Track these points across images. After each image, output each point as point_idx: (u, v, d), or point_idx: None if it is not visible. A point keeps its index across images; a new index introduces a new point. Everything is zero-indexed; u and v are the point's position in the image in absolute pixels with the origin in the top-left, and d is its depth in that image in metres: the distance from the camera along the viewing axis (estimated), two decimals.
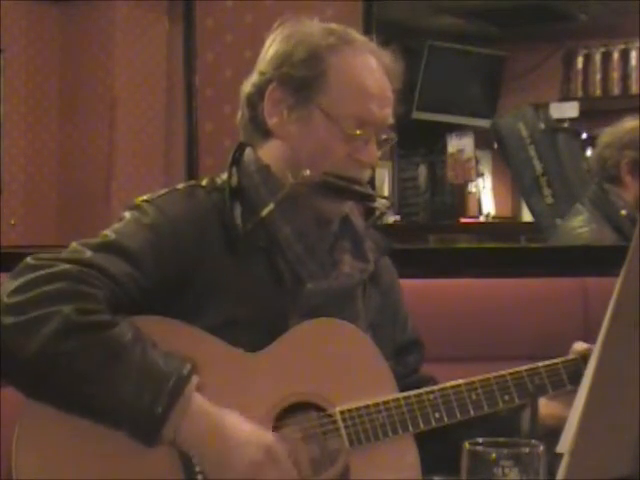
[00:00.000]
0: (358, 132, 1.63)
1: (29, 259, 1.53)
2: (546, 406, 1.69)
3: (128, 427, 1.44)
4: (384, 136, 1.68)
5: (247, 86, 1.72)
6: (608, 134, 2.98)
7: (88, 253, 1.55)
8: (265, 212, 1.62)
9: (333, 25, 1.72)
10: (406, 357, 1.82)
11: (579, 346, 1.72)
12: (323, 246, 1.68)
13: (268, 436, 1.50)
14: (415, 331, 1.87)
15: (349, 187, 1.64)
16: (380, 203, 1.71)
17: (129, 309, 1.53)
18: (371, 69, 1.67)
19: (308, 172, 1.62)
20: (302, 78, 1.65)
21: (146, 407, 1.42)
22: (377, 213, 1.77)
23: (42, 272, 1.49)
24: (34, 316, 1.45)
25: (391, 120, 1.68)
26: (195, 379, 1.47)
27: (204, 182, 1.71)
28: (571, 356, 1.71)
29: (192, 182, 1.73)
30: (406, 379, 1.74)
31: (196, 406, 1.46)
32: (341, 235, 1.72)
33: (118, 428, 1.45)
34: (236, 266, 1.62)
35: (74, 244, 1.58)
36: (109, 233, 1.59)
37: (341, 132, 1.63)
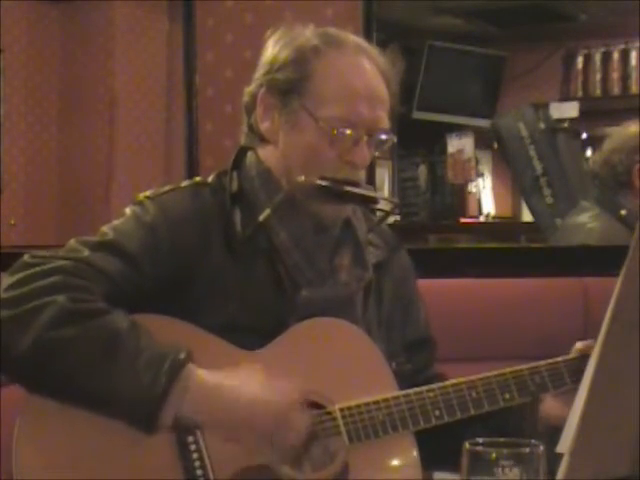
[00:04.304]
0: (344, 131, 1.61)
1: (26, 257, 1.55)
2: (551, 406, 1.69)
3: (126, 412, 1.45)
4: (383, 137, 1.67)
5: (245, 95, 1.73)
6: (613, 139, 2.96)
7: (85, 252, 1.56)
8: (262, 217, 1.62)
9: (327, 29, 1.71)
10: (417, 354, 1.81)
11: (579, 344, 1.71)
12: (322, 252, 1.67)
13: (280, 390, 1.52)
14: (428, 328, 1.86)
15: (349, 190, 1.63)
16: (384, 204, 1.71)
17: (127, 308, 1.53)
18: (361, 70, 1.65)
19: (303, 178, 1.62)
20: (287, 81, 1.65)
21: (144, 390, 1.43)
22: (381, 214, 1.76)
23: (38, 268, 1.51)
24: (29, 308, 1.46)
25: (386, 122, 1.66)
26: (192, 366, 1.47)
27: (210, 179, 1.71)
28: (572, 355, 1.70)
29: (198, 179, 1.72)
30: (416, 376, 1.73)
31: (195, 385, 1.47)
32: (342, 240, 1.71)
33: (116, 415, 1.45)
34: (237, 268, 1.62)
35: (72, 242, 1.59)
36: (108, 231, 1.60)
37: (327, 133, 1.61)
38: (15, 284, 1.50)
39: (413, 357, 1.79)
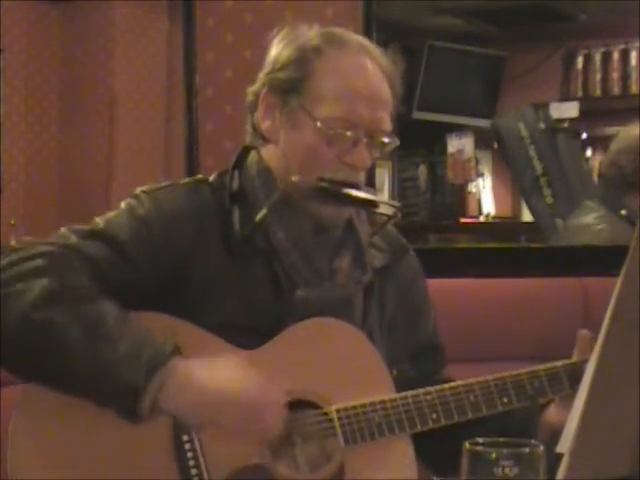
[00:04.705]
0: (342, 132, 1.60)
1: (13, 242, 1.55)
2: (551, 412, 1.68)
3: (110, 400, 1.44)
4: (384, 139, 1.65)
5: (249, 94, 1.72)
6: (619, 139, 2.96)
7: (73, 239, 1.56)
8: (259, 217, 1.62)
9: (332, 29, 1.70)
10: (425, 360, 1.80)
11: (577, 348, 1.69)
12: (321, 253, 1.66)
13: (252, 390, 1.50)
14: (436, 334, 1.84)
15: (348, 193, 1.62)
16: (386, 208, 1.70)
17: (112, 296, 1.52)
18: (362, 70, 1.64)
19: (296, 177, 1.61)
20: (288, 80, 1.64)
21: (124, 380, 1.42)
22: (383, 219, 1.75)
23: (24, 252, 1.52)
24: (15, 290, 1.46)
25: (387, 124, 1.65)
26: (176, 359, 1.46)
27: (212, 178, 1.70)
28: (573, 358, 1.69)
29: (199, 177, 1.72)
30: (423, 382, 1.69)
31: (177, 378, 1.45)
32: (343, 242, 1.70)
33: (98, 400, 1.45)
34: (235, 267, 1.62)
35: (63, 229, 1.60)
36: (99, 221, 1.61)
37: (325, 133, 1.61)
38: (1, 267, 1.49)
39: (421, 363, 1.78)
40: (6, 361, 1.50)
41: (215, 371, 1.49)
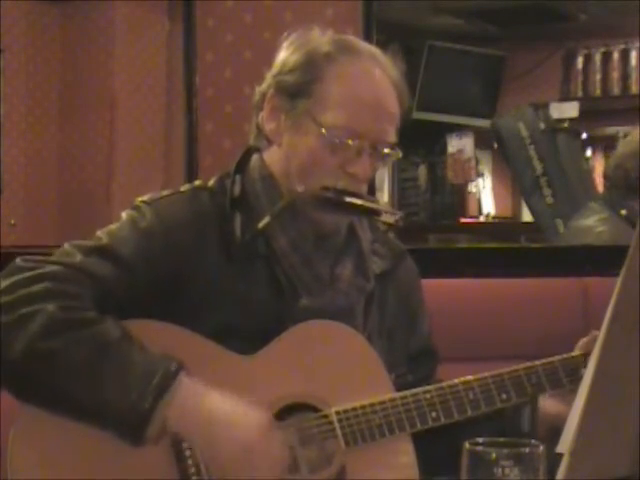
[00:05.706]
0: (346, 142, 1.59)
1: (18, 260, 1.54)
2: (552, 405, 1.68)
3: (113, 426, 1.43)
4: (385, 150, 1.64)
5: (256, 94, 1.71)
6: (626, 143, 2.97)
7: (78, 257, 1.55)
8: (262, 224, 1.61)
9: (345, 36, 1.69)
10: (420, 365, 1.80)
11: (581, 342, 1.70)
12: (322, 258, 1.66)
13: (261, 417, 1.48)
14: (431, 340, 1.85)
15: (350, 202, 1.61)
16: (387, 216, 1.69)
17: (119, 313, 1.52)
18: (371, 79, 1.63)
19: (301, 188, 1.60)
20: (296, 84, 1.63)
21: (131, 405, 1.42)
22: (384, 227, 1.75)
23: (30, 273, 1.50)
24: (20, 315, 1.46)
25: (392, 136, 1.63)
26: (183, 375, 1.46)
27: (211, 182, 1.70)
28: (575, 352, 1.69)
29: (198, 183, 1.71)
30: (416, 387, 1.68)
31: (183, 398, 1.44)
32: (345, 249, 1.70)
33: (103, 428, 1.44)
34: (235, 273, 1.61)
35: (66, 246, 1.58)
36: (102, 236, 1.59)
37: (329, 141, 1.60)
38: (7, 289, 1.49)
39: (416, 368, 1.78)
40: (10, 386, 1.50)
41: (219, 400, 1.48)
